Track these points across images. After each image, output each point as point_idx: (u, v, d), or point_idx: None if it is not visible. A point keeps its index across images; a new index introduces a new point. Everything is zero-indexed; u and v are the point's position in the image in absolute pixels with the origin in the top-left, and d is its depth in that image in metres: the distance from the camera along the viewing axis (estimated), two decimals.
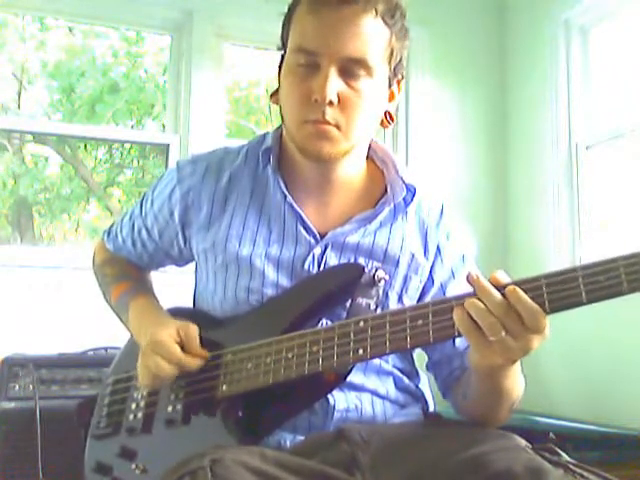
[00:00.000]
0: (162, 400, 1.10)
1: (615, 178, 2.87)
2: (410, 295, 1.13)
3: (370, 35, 1.01)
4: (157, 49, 3.86)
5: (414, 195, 1.13)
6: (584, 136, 2.89)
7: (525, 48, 3.18)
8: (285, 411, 1.05)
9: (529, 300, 0.84)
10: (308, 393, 1.04)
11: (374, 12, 1.01)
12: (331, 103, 1.01)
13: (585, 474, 0.86)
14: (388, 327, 0.93)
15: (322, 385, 1.03)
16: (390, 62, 1.06)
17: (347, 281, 1.07)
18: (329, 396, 1.05)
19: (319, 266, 1.09)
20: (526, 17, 3.16)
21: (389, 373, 1.13)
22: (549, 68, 2.97)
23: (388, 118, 1.13)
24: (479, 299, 0.85)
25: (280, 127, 1.15)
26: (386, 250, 1.11)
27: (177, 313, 1.19)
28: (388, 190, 1.14)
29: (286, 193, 1.12)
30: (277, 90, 1.10)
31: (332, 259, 1.10)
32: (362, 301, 1.05)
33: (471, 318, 0.86)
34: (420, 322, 0.91)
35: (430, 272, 1.14)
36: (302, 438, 1.05)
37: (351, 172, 1.13)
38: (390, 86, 1.10)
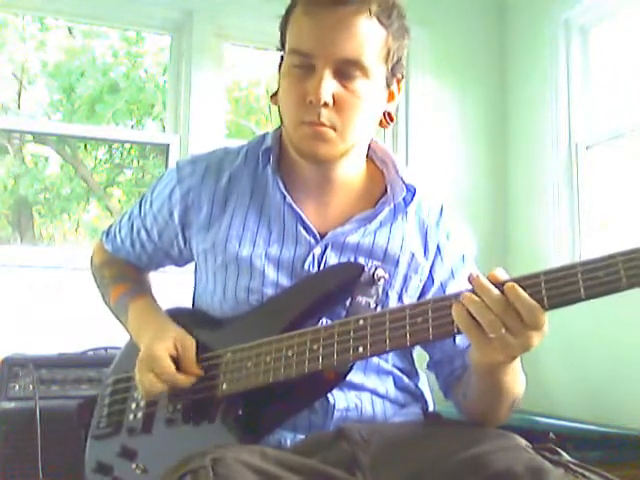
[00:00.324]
0: (162, 400, 1.10)
1: (615, 178, 2.87)
2: (410, 294, 1.13)
3: (365, 36, 1.01)
4: (157, 49, 3.86)
5: (414, 195, 1.13)
6: (584, 136, 2.89)
7: (525, 48, 3.18)
8: (285, 410, 1.05)
9: (527, 297, 0.84)
10: (308, 392, 1.04)
11: (369, 12, 1.01)
12: (326, 104, 1.01)
13: (586, 474, 0.86)
14: (388, 325, 0.94)
15: (322, 384, 1.03)
16: (387, 62, 1.05)
17: (347, 280, 1.07)
18: (329, 395, 1.05)
19: (319, 266, 1.10)
20: (526, 17, 3.16)
21: (389, 372, 1.13)
22: (549, 68, 2.97)
23: (387, 118, 1.13)
24: (478, 296, 0.85)
25: (280, 127, 1.15)
26: (386, 250, 1.11)
27: (177, 313, 1.19)
28: (388, 190, 1.14)
29: (285, 193, 1.12)
30: (277, 91, 1.10)
31: (332, 259, 1.10)
32: (362, 300, 1.05)
33: (470, 315, 0.86)
34: (420, 319, 0.92)
35: (430, 272, 1.14)
36: (302, 437, 1.05)
37: (350, 172, 1.14)
38: (388, 86, 1.10)
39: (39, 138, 3.86)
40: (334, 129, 1.03)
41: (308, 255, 1.10)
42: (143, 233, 1.25)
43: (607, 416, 2.34)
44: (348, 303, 1.06)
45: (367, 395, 1.10)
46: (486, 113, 3.24)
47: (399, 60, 1.08)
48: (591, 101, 2.92)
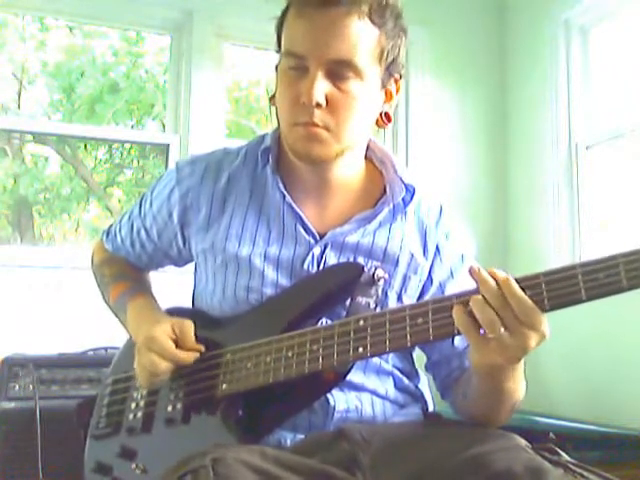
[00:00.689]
0: (162, 400, 1.10)
1: (615, 178, 2.87)
2: (409, 295, 1.13)
3: (357, 36, 1.01)
4: (157, 49, 3.86)
5: (413, 195, 1.13)
6: (584, 136, 2.89)
7: (525, 48, 3.18)
8: (285, 410, 1.05)
9: (522, 294, 0.84)
10: (308, 392, 1.04)
11: (360, 13, 1.00)
12: (319, 105, 1.01)
13: (585, 474, 0.86)
14: (388, 325, 0.94)
15: (322, 384, 1.03)
16: (381, 62, 1.05)
17: (346, 280, 1.07)
18: (329, 396, 1.05)
19: (318, 266, 1.10)
20: (526, 17, 3.16)
21: (389, 373, 1.13)
22: (549, 68, 2.97)
23: (385, 118, 1.12)
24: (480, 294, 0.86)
25: (279, 128, 1.15)
26: (385, 250, 1.11)
27: (176, 313, 1.19)
28: (387, 190, 1.14)
29: (285, 193, 1.12)
30: (275, 93, 1.10)
31: (331, 259, 1.10)
32: (362, 300, 1.05)
33: (470, 315, 0.86)
34: (420, 320, 0.92)
35: (429, 272, 1.14)
36: (302, 437, 1.05)
37: (349, 173, 1.14)
38: (385, 86, 1.09)
39: (39, 138, 3.85)
40: (328, 130, 1.03)
41: (307, 255, 1.10)
42: (143, 233, 1.25)
43: (607, 416, 2.34)
44: (348, 303, 1.06)
45: (367, 396, 1.10)
46: (486, 113, 3.24)
47: (395, 60, 1.07)
48: (591, 101, 2.92)
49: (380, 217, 1.12)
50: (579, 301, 0.83)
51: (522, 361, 0.93)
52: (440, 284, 1.15)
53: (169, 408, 1.08)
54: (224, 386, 1.04)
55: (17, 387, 1.95)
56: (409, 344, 0.92)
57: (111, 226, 1.34)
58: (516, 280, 0.86)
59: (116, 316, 1.26)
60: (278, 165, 1.14)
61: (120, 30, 3.55)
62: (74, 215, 4.15)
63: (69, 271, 2.54)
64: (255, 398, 1.03)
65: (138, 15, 2.93)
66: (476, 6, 3.29)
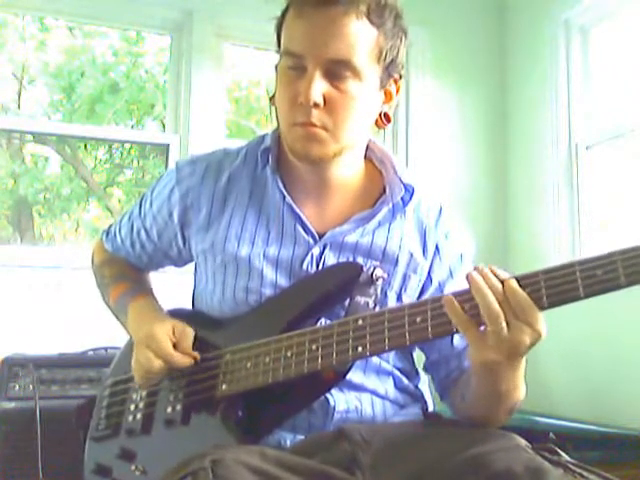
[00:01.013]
0: (161, 401, 1.10)
1: (615, 178, 2.87)
2: (409, 294, 1.13)
3: (355, 36, 1.01)
4: (157, 49, 3.86)
5: (412, 195, 1.13)
6: (584, 136, 2.89)
7: (525, 48, 3.18)
8: (285, 410, 1.05)
9: (519, 289, 0.85)
10: (307, 392, 1.04)
11: (358, 12, 1.00)
12: (316, 105, 1.01)
13: (585, 474, 0.86)
14: (387, 324, 0.94)
15: (321, 384, 1.03)
16: (380, 62, 1.05)
17: (345, 280, 1.07)
18: (329, 397, 1.05)
19: (318, 266, 1.10)
20: (526, 17, 3.16)
21: (389, 373, 1.13)
22: (549, 68, 2.97)
23: (384, 119, 1.12)
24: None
25: (279, 128, 1.15)
26: (385, 249, 1.11)
27: (177, 315, 1.19)
28: (386, 190, 1.14)
29: (285, 193, 1.12)
30: (275, 93, 1.10)
31: (330, 259, 1.10)
32: (361, 300, 1.05)
33: (467, 311, 0.87)
34: (419, 319, 0.92)
35: (429, 271, 1.14)
36: (302, 437, 1.05)
37: (348, 173, 1.14)
38: (384, 86, 1.09)
39: (39, 138, 3.85)
40: (326, 129, 1.03)
41: (307, 255, 1.10)
42: (143, 233, 1.25)
43: (607, 416, 2.34)
44: (347, 303, 1.06)
45: (367, 396, 1.10)
46: (486, 113, 3.24)
47: (394, 60, 1.07)
48: (591, 101, 2.92)
49: (379, 216, 1.12)
50: (577, 298, 0.84)
51: (522, 363, 0.93)
52: (439, 284, 1.15)
53: (169, 409, 1.08)
54: (223, 387, 1.04)
55: (17, 387, 1.95)
56: (408, 343, 0.93)
57: (111, 226, 1.34)
58: (515, 278, 0.87)
59: (116, 317, 1.26)
60: (278, 165, 1.14)
61: (120, 30, 3.55)
62: (74, 215, 4.15)
63: (69, 271, 2.54)
64: (255, 399, 1.03)
65: (138, 15, 2.93)
66: (476, 6, 3.29)
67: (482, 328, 0.88)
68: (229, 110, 3.81)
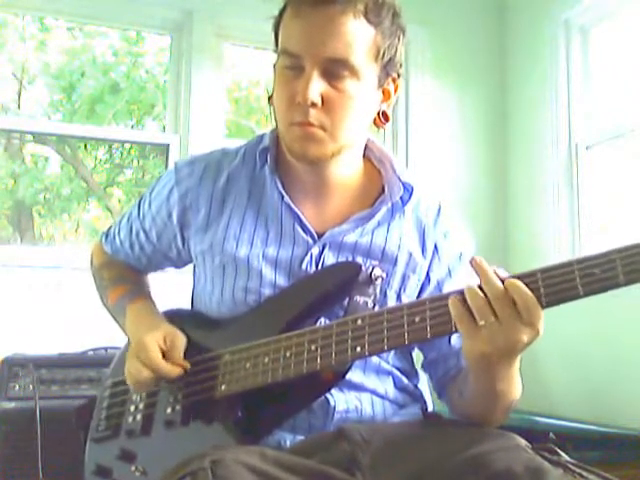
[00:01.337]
0: (161, 402, 1.10)
1: (615, 178, 2.87)
2: (408, 294, 1.13)
3: (352, 35, 1.00)
4: (158, 49, 3.86)
5: (411, 194, 1.13)
6: (584, 136, 2.89)
7: (525, 48, 3.18)
8: (284, 411, 1.05)
9: (527, 290, 0.85)
10: (307, 392, 1.04)
11: (356, 11, 1.00)
12: (314, 105, 1.01)
13: (585, 474, 0.86)
14: (386, 324, 0.94)
15: (321, 384, 1.03)
16: (377, 61, 1.05)
17: (344, 279, 1.07)
18: (329, 396, 1.05)
19: (317, 266, 1.09)
20: (526, 17, 3.16)
21: (388, 373, 1.13)
22: (549, 68, 2.97)
23: (382, 118, 1.12)
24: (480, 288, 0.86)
25: (277, 128, 1.15)
26: (384, 249, 1.11)
27: (175, 315, 1.19)
28: (385, 189, 1.14)
29: (283, 193, 1.12)
30: (273, 93, 1.10)
31: (330, 259, 1.10)
32: (360, 299, 1.05)
33: (463, 303, 0.87)
34: (417, 318, 0.92)
35: (427, 271, 1.14)
36: (302, 438, 1.05)
37: (347, 172, 1.13)
38: (382, 85, 1.09)
39: (39, 138, 3.85)
40: (323, 129, 1.03)
41: (306, 255, 1.10)
42: (142, 235, 1.25)
43: (607, 416, 2.34)
44: (346, 303, 1.06)
45: (367, 396, 1.10)
46: (486, 113, 3.24)
47: (392, 59, 1.07)
48: (591, 101, 2.92)
49: (378, 216, 1.12)
50: (576, 297, 0.84)
51: (517, 362, 0.93)
52: (438, 283, 1.14)
53: (168, 410, 1.08)
54: (223, 387, 1.04)
55: (17, 387, 1.95)
56: (407, 343, 0.93)
57: (110, 228, 1.34)
58: (513, 277, 0.87)
59: (115, 320, 1.26)
60: (276, 165, 1.14)
61: (120, 30, 3.55)
62: (74, 215, 4.15)
63: (69, 271, 2.54)
64: (254, 399, 1.03)
65: (138, 15, 2.94)
66: (476, 6, 3.29)
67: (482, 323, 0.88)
68: (229, 110, 3.81)
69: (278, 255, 1.10)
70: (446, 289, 1.13)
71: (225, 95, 3.18)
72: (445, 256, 1.15)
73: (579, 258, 0.84)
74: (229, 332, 1.11)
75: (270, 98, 1.11)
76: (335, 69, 1.01)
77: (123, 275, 1.29)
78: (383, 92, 1.10)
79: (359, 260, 1.10)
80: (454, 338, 1.11)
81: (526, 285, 0.85)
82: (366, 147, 1.17)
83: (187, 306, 1.26)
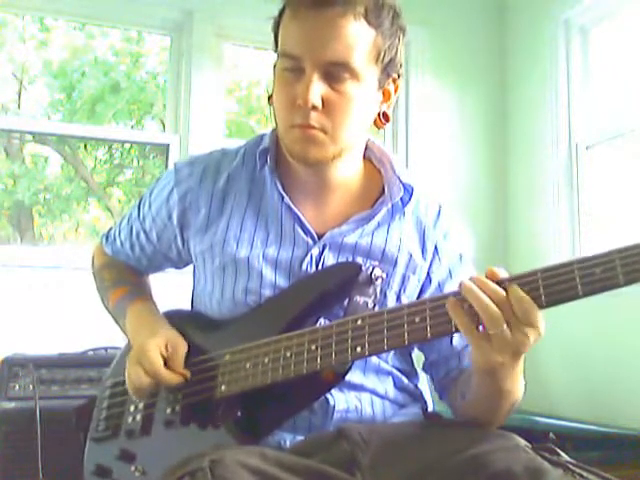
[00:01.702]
0: (161, 402, 1.10)
1: (615, 178, 2.87)
2: (408, 295, 1.12)
3: (352, 37, 1.00)
4: (158, 49, 3.86)
5: (411, 195, 1.13)
6: (584, 136, 2.89)
7: (525, 48, 3.18)
8: (284, 411, 1.05)
9: (520, 292, 0.85)
10: (307, 393, 1.03)
11: (356, 13, 1.00)
12: (315, 107, 1.00)
13: (584, 474, 0.86)
14: (386, 324, 0.94)
15: (321, 384, 1.03)
16: (378, 63, 1.04)
17: (344, 280, 1.07)
18: (329, 396, 1.05)
19: (317, 266, 1.09)
20: (526, 17, 3.16)
21: (388, 373, 1.13)
22: (549, 68, 2.97)
23: (382, 118, 1.12)
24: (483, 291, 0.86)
25: (277, 128, 1.15)
26: (384, 250, 1.11)
27: (176, 316, 1.19)
28: (385, 190, 1.14)
29: (283, 194, 1.11)
30: (272, 94, 1.10)
31: (330, 259, 1.10)
32: (360, 300, 1.05)
33: (467, 312, 0.86)
34: (417, 319, 0.92)
35: (428, 272, 1.14)
36: (302, 438, 1.05)
37: (347, 173, 1.13)
38: (382, 86, 1.09)
39: (39, 138, 3.85)
40: (324, 131, 1.03)
41: (306, 256, 1.09)
42: (142, 236, 1.24)
43: (607, 416, 2.34)
44: (346, 303, 1.06)
45: (367, 395, 1.10)
46: (486, 113, 3.24)
47: (392, 60, 1.06)
48: (591, 101, 2.92)
49: (378, 217, 1.12)
50: (576, 297, 0.83)
51: (521, 361, 0.93)
52: (439, 284, 1.14)
53: (168, 410, 1.08)
54: (223, 387, 1.04)
55: (17, 387, 1.95)
56: (407, 343, 0.92)
57: (110, 230, 1.34)
58: (513, 277, 0.87)
59: (115, 321, 1.26)
60: (276, 166, 1.14)
61: (121, 30, 3.56)
62: (74, 215, 4.15)
63: (69, 271, 2.54)
64: (254, 399, 1.03)
65: (138, 15, 2.94)
66: (476, 6, 3.29)
67: (481, 328, 0.87)
68: (229, 110, 3.81)
69: (278, 256, 1.10)
70: (447, 290, 1.12)
71: (225, 95, 3.18)
72: (445, 257, 1.15)
73: (579, 258, 0.84)
74: (229, 332, 1.11)
75: (269, 98, 1.11)
76: (335, 72, 1.01)
77: (124, 276, 1.29)
78: (383, 93, 1.10)
79: (359, 261, 1.10)
80: (455, 339, 1.11)
81: (526, 285, 0.85)
82: (366, 147, 1.17)
83: (187, 306, 1.26)
